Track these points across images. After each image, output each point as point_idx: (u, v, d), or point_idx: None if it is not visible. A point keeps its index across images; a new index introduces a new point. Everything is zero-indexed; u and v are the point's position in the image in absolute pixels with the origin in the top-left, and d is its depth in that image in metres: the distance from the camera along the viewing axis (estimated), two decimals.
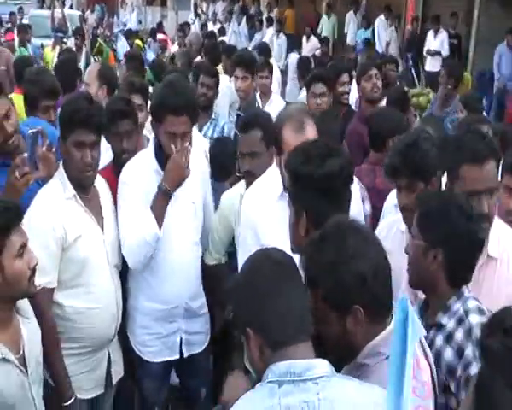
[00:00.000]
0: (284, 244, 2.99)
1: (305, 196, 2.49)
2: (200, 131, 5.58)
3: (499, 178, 3.06)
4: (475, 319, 2.40)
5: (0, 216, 2.60)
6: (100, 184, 3.58)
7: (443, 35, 14.04)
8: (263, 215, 3.17)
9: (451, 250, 2.46)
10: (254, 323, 1.97)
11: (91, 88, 5.24)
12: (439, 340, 2.46)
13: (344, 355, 2.11)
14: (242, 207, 3.38)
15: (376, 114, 4.89)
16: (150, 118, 3.82)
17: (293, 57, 12.32)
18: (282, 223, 3.00)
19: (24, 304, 2.85)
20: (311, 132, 3.00)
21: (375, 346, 2.06)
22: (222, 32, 17.53)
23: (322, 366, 1.90)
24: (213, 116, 5.90)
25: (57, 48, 11.77)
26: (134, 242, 3.48)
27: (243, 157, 3.85)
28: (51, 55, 11.54)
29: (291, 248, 2.55)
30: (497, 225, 2.90)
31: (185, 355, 3.78)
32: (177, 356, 3.77)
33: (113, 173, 3.89)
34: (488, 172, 2.81)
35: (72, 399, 3.32)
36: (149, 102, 4.33)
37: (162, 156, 3.52)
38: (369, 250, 2.07)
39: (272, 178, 3.18)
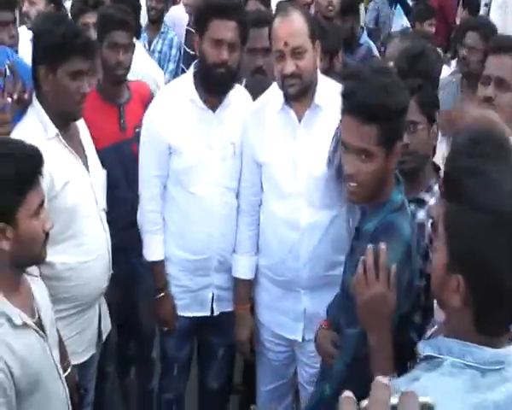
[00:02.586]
0: (282, 161, 3.03)
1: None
2: (149, 44, 5.37)
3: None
4: None
5: (21, 165, 2.20)
6: None
7: None
8: (260, 130, 3.08)
9: None
10: (474, 272, 1.49)
11: (38, 5, 4.59)
12: (421, 214, 2.68)
13: None
14: (243, 121, 3.20)
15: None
16: None
17: None
18: (280, 138, 3.04)
19: None
20: (295, 19, 2.90)
21: None
22: None
23: None
24: (162, 29, 5.58)
25: None
26: (142, 205, 3.33)
27: (255, 53, 3.62)
28: None
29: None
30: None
31: (216, 313, 3.37)
32: (208, 313, 3.37)
33: (100, 94, 3.54)
34: None
35: (69, 369, 2.87)
36: None
37: (202, 80, 3.15)
38: None
39: (274, 92, 3.05)
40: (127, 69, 3.66)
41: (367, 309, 2.17)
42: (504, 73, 2.97)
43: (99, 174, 3.14)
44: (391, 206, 2.34)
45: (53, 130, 2.90)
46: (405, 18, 7.49)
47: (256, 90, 3.35)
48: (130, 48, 3.66)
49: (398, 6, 8.05)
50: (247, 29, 3.18)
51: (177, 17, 5.99)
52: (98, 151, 3.21)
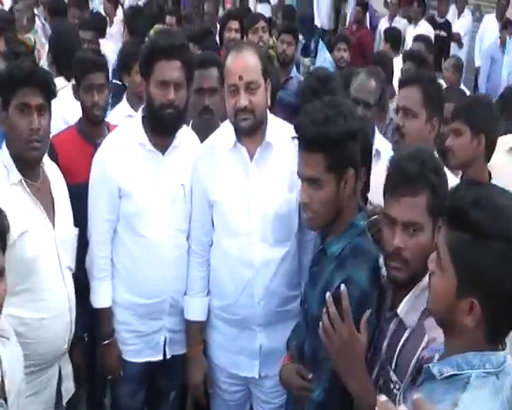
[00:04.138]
0: (235, 199, 3.00)
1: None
2: None
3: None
4: None
5: None
6: (51, 170, 3.00)
7: None
8: (212, 169, 3.07)
9: None
10: (488, 294, 1.59)
11: None
12: None
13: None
14: (194, 160, 3.17)
15: None
16: None
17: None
18: (233, 176, 3.01)
19: (1, 321, 2.29)
20: (249, 55, 2.92)
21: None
22: None
23: None
24: None
25: None
26: (91, 250, 3.22)
27: (202, 94, 3.64)
28: None
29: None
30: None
31: (168, 356, 3.30)
32: (161, 357, 3.30)
33: (79, 133, 3.68)
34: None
35: None
36: None
37: (151, 122, 3.12)
38: None
39: (224, 132, 3.08)
40: (103, 109, 3.74)
41: (340, 356, 2.21)
42: (408, 102, 3.18)
43: (67, 232, 2.98)
44: (355, 231, 2.46)
45: (16, 175, 2.76)
46: (327, 52, 7.80)
47: (203, 131, 3.37)
48: (104, 88, 3.73)
49: (321, 42, 8.47)
50: (193, 68, 3.19)
51: None
52: (72, 185, 3.16)
